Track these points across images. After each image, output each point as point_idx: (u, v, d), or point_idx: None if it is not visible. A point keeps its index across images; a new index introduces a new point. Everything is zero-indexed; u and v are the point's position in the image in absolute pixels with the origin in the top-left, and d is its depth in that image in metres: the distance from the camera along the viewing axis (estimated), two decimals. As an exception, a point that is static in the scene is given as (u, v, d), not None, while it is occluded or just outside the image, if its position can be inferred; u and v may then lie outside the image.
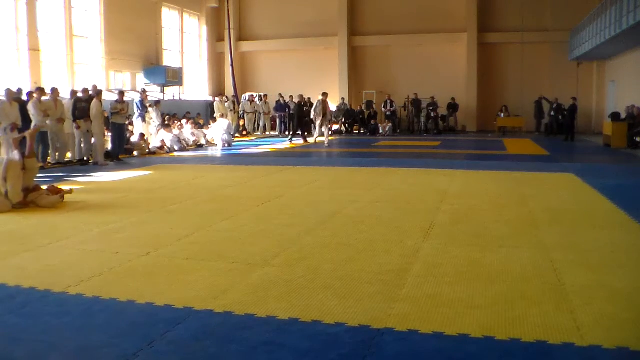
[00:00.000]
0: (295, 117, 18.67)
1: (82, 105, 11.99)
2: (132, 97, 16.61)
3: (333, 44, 24.21)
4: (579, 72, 21.55)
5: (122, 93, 13.23)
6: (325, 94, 17.05)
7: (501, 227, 5.52)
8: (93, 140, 12.06)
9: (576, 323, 3.08)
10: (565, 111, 18.85)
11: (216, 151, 15.77)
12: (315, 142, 17.10)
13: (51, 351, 2.85)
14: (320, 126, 16.89)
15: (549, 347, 2.80)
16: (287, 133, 21.65)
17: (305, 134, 17.82)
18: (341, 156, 13.92)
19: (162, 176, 9.96)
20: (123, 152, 13.02)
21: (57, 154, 11.89)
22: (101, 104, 11.97)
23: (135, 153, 13.77)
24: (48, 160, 11.78)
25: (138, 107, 14.96)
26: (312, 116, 17.21)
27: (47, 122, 11.34)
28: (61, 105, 11.74)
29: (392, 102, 21.84)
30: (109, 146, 12.89)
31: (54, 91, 11.67)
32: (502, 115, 21.47)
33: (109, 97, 15.19)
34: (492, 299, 3.47)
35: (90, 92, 12.33)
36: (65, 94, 12.81)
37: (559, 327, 3.02)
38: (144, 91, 16.02)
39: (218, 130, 16.72)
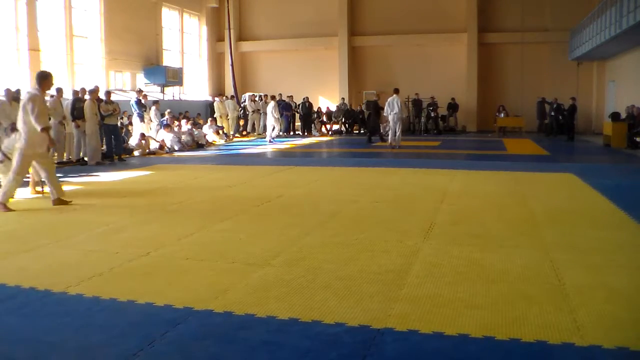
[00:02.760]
0: (372, 116, 17.61)
1: (81, 105, 11.99)
2: (131, 97, 16.61)
3: (333, 44, 24.21)
4: (579, 72, 21.57)
5: (108, 93, 13.17)
6: (397, 90, 15.22)
7: (501, 227, 5.52)
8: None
9: (576, 323, 3.08)
10: (565, 111, 18.88)
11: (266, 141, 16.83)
12: (393, 145, 15.03)
13: (51, 351, 2.84)
14: (398, 128, 14.97)
15: (549, 347, 2.80)
16: (291, 133, 21.63)
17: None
18: (341, 156, 13.91)
19: (162, 176, 9.95)
20: (122, 151, 13.00)
21: (56, 154, 11.89)
22: (95, 104, 11.92)
23: (135, 153, 13.77)
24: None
25: (134, 107, 14.94)
26: (387, 115, 15.22)
27: (50, 122, 11.34)
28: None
29: None
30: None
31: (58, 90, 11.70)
32: (502, 115, 21.48)
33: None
34: (492, 299, 3.47)
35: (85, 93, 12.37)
36: (66, 94, 12.79)
37: (559, 327, 3.02)
38: (140, 91, 15.99)
39: (269, 116, 17.47)
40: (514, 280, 3.84)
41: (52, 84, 7.16)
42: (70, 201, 7.07)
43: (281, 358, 2.73)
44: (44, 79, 6.86)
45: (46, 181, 7.11)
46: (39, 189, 7.88)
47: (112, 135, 12.62)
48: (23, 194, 7.75)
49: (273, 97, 18.54)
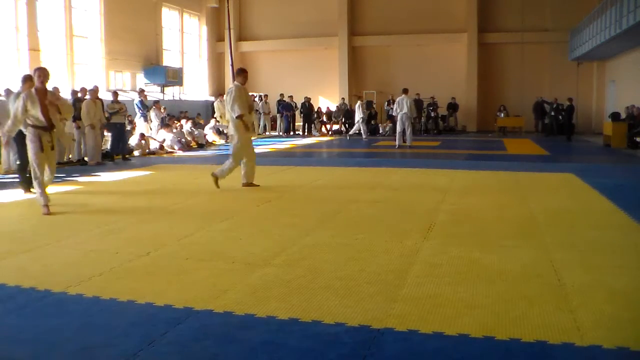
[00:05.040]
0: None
1: (81, 105, 11.99)
2: (132, 97, 16.61)
3: (333, 44, 24.22)
4: (579, 72, 21.57)
5: (115, 93, 13.20)
6: (406, 90, 15.43)
7: (501, 227, 5.52)
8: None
9: (576, 323, 3.08)
10: (563, 111, 18.93)
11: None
12: (402, 145, 15.25)
13: (51, 351, 2.84)
14: (407, 127, 15.29)
15: (549, 347, 2.80)
16: (291, 133, 21.63)
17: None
18: (341, 156, 13.91)
19: (162, 176, 9.96)
20: (126, 151, 13.01)
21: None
22: (94, 104, 11.91)
23: (135, 153, 13.78)
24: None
25: (139, 107, 14.95)
26: (396, 114, 15.42)
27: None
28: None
29: (394, 101, 21.88)
30: (108, 146, 12.89)
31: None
32: (502, 115, 21.50)
33: (108, 97, 15.16)
34: (492, 299, 3.47)
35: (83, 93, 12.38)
36: (65, 94, 12.80)
37: (559, 327, 3.02)
38: (142, 91, 16.01)
39: (357, 113, 19.12)
40: (514, 280, 3.84)
41: (247, 79, 8.15)
42: (258, 185, 8.17)
43: (281, 358, 2.73)
44: (238, 74, 8.14)
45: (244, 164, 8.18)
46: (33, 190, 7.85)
47: (118, 134, 12.62)
48: (22, 194, 7.75)
49: (360, 97, 20.16)
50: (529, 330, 2.98)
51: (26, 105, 6.19)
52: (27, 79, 7.36)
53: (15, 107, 6.37)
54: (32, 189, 7.50)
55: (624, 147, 14.73)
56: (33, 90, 6.36)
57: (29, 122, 6.32)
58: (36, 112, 6.24)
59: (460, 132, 22.70)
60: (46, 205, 6.34)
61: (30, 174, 7.54)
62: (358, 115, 19.24)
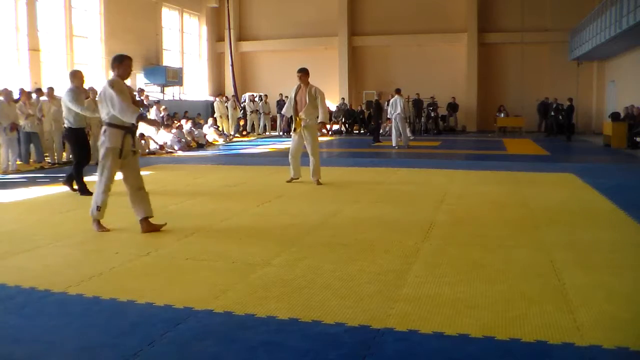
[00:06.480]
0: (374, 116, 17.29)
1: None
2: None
3: (333, 44, 24.21)
4: (579, 72, 21.57)
5: None
6: (399, 91, 15.29)
7: (501, 227, 5.52)
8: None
9: (576, 323, 3.08)
10: (563, 111, 18.96)
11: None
12: (400, 145, 15.04)
13: (51, 351, 2.84)
14: (401, 127, 15.10)
15: (549, 347, 2.80)
16: (291, 133, 21.59)
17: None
18: (341, 156, 13.91)
19: (162, 176, 9.95)
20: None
21: (55, 154, 11.90)
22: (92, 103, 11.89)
23: (135, 153, 13.76)
24: (47, 161, 11.79)
25: (138, 107, 14.94)
26: (390, 116, 15.21)
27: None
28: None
29: None
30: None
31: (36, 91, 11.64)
32: (502, 115, 21.51)
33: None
34: (492, 299, 3.47)
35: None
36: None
37: (559, 327, 3.02)
38: (142, 90, 16.00)
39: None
40: (514, 280, 3.84)
41: (303, 78, 8.54)
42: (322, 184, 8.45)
43: (281, 358, 2.73)
44: (301, 72, 8.58)
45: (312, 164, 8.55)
46: None
47: None
48: (23, 194, 7.76)
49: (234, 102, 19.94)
50: (529, 330, 2.98)
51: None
52: (76, 74, 7.32)
53: (112, 95, 5.14)
54: (74, 186, 7.60)
55: (624, 147, 14.73)
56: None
57: (110, 120, 5.18)
58: None
59: (460, 132, 22.71)
60: (97, 221, 5.42)
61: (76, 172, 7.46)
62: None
